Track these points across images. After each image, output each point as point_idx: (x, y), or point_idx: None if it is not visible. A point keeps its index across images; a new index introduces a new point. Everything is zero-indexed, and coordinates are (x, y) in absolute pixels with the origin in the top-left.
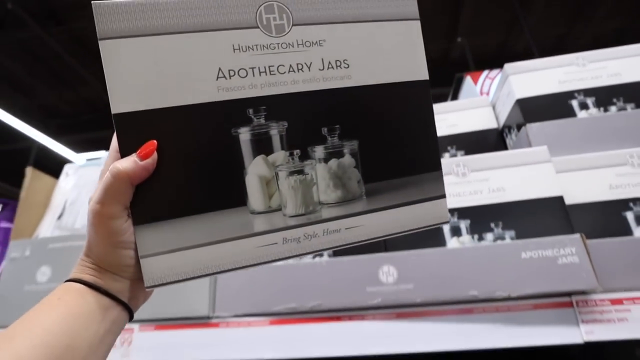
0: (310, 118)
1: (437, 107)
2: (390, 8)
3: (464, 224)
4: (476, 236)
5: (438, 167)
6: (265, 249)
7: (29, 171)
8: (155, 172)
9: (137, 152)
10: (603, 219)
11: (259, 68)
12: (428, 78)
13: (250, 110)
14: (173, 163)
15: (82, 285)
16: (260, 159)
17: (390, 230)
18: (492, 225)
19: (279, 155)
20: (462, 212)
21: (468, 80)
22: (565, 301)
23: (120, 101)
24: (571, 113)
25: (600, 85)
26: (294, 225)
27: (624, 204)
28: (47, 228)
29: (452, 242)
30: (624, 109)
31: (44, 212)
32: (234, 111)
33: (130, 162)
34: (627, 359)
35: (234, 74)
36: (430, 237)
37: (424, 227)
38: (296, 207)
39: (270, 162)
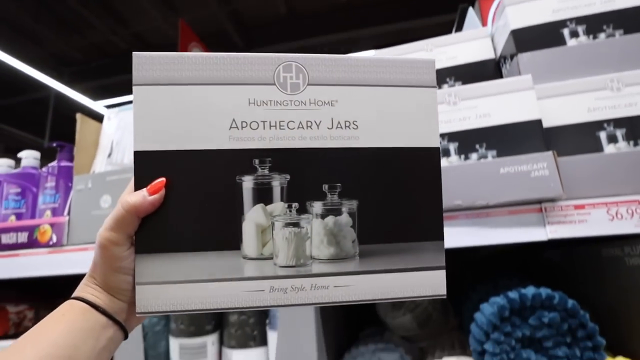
0: (312, 174)
1: (438, 40)
2: (407, 74)
3: (452, 146)
4: (463, 156)
5: (440, 236)
6: (252, 295)
7: (79, 117)
8: (161, 208)
9: (147, 187)
10: (579, 139)
11: (270, 122)
12: (439, 146)
13: (256, 161)
14: (179, 201)
15: (84, 304)
16: (259, 207)
17: (380, 295)
18: (477, 146)
19: (278, 206)
20: (451, 136)
21: (471, 11)
22: (536, 208)
23: (143, 140)
24: (562, 42)
25: (591, 13)
26: (282, 275)
27: (598, 125)
28: (100, 164)
29: (442, 162)
30: (613, 35)
31: (95, 151)
32: (241, 160)
33: (139, 197)
34: (595, 258)
35: (246, 125)
36: None
37: (416, 297)
38: (287, 258)
39: (269, 212)
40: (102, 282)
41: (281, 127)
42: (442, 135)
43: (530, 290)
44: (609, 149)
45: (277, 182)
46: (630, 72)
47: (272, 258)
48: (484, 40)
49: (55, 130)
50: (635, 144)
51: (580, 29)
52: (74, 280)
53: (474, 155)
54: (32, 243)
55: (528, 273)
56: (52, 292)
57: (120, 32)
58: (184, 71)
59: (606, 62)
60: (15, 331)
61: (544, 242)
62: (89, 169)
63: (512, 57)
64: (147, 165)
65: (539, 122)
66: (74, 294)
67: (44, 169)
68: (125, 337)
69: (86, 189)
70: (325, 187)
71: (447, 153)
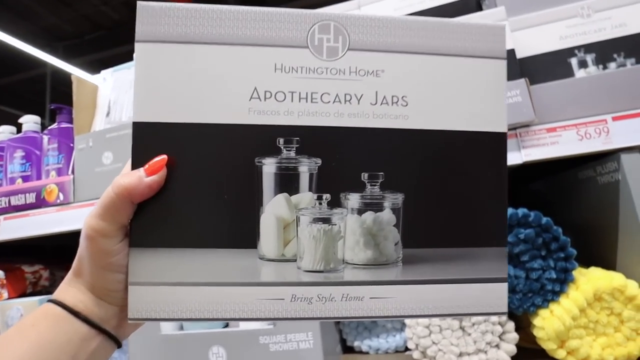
0: (350, 159)
1: None
2: (472, 42)
3: None
4: None
5: (503, 242)
6: (269, 304)
7: (75, 79)
8: (163, 192)
9: (145, 167)
10: (552, 67)
11: (299, 93)
12: (506, 131)
13: (281, 140)
14: (184, 185)
15: (60, 310)
16: (282, 197)
17: (426, 311)
18: None
19: (305, 197)
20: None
21: None
22: (511, 133)
23: (144, 110)
24: None
25: None
26: (307, 282)
27: (570, 52)
28: (99, 124)
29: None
30: None
31: (94, 112)
32: (262, 138)
33: (134, 178)
34: (572, 182)
35: (270, 96)
36: None
37: (471, 314)
38: (314, 261)
39: (293, 204)
40: (88, 282)
41: (313, 100)
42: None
43: (508, 211)
44: (579, 74)
45: (306, 168)
46: None
47: (295, 260)
48: None
49: (57, 109)
50: (604, 67)
51: None
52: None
53: None
54: (41, 203)
55: (514, 203)
56: (64, 252)
57: (110, 1)
58: (198, 27)
59: None
60: (33, 290)
61: (528, 175)
62: (89, 129)
63: None
64: (147, 139)
65: (512, 52)
66: (53, 295)
67: (45, 132)
68: (118, 346)
69: (87, 148)
70: (365, 176)
71: None
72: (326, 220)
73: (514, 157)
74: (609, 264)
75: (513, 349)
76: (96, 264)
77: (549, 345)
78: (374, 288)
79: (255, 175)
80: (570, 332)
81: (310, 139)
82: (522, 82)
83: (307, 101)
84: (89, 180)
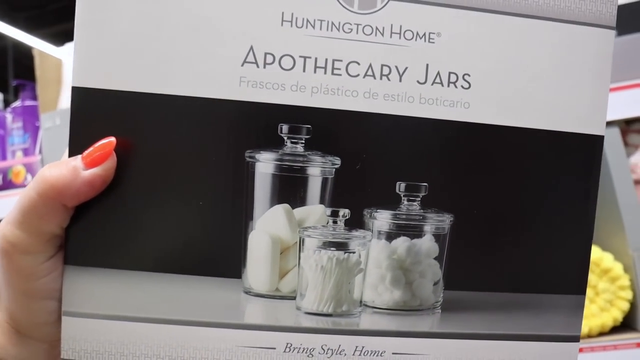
0: (381, 161)
1: None
2: (568, 1)
3: None
4: None
5: (582, 289)
6: (255, 353)
7: (37, 53)
8: (110, 191)
9: (83, 155)
10: None
11: (316, 59)
12: (604, 134)
13: (284, 128)
14: (141, 183)
15: None
16: (281, 210)
17: None
18: None
19: (315, 210)
20: None
21: None
22: None
23: (88, 70)
24: None
25: None
26: (309, 327)
27: None
28: (66, 101)
29: None
30: None
31: (59, 88)
32: (256, 122)
33: (66, 171)
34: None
35: (273, 61)
36: None
37: None
38: (320, 300)
39: (297, 220)
40: (6, 313)
41: (335, 71)
42: None
43: None
44: None
45: (318, 169)
46: None
47: (294, 298)
48: None
49: (19, 86)
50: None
51: None
52: None
53: None
54: (7, 185)
55: None
56: None
57: None
58: None
59: None
60: None
61: None
62: (55, 107)
63: None
64: (89, 113)
65: None
66: None
67: (8, 109)
68: None
69: (54, 127)
70: (401, 186)
71: None
72: (342, 246)
73: None
74: None
75: None
76: (15, 289)
77: None
78: (401, 341)
79: (245, 174)
80: None
81: (328, 128)
82: None
83: (325, 72)
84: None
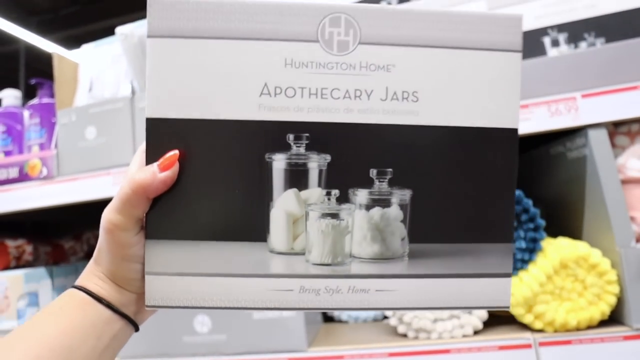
0: (359, 155)
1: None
2: (485, 34)
3: None
4: None
5: (510, 238)
6: (279, 294)
7: (55, 55)
8: (176, 187)
9: (158, 162)
10: (526, 45)
11: (309, 89)
12: (518, 127)
13: (291, 136)
14: (196, 180)
15: (85, 295)
16: (291, 193)
17: (430, 303)
18: None
19: (314, 192)
20: None
21: None
22: None
23: (157, 105)
24: None
25: None
26: (315, 274)
27: (543, 31)
28: (81, 99)
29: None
30: None
31: (75, 87)
32: (272, 134)
33: (148, 174)
34: (544, 157)
35: (280, 92)
36: None
37: (474, 307)
38: (322, 254)
39: (303, 199)
40: (107, 271)
41: (323, 96)
42: None
43: None
44: (552, 52)
45: (315, 164)
46: None
47: (304, 254)
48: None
49: (31, 87)
50: (575, 46)
51: None
52: (65, 215)
53: None
54: (24, 177)
55: None
56: (45, 228)
57: None
58: (208, 21)
59: None
60: (16, 264)
61: None
62: (71, 104)
63: None
64: (160, 135)
65: None
66: (77, 282)
67: (26, 107)
68: (136, 329)
69: (70, 123)
70: (374, 172)
71: None
72: (334, 216)
73: None
74: (575, 235)
75: (485, 315)
76: (115, 255)
77: (517, 311)
78: (380, 281)
79: (266, 170)
80: (538, 298)
81: (320, 135)
82: None
83: (317, 97)
84: (72, 155)
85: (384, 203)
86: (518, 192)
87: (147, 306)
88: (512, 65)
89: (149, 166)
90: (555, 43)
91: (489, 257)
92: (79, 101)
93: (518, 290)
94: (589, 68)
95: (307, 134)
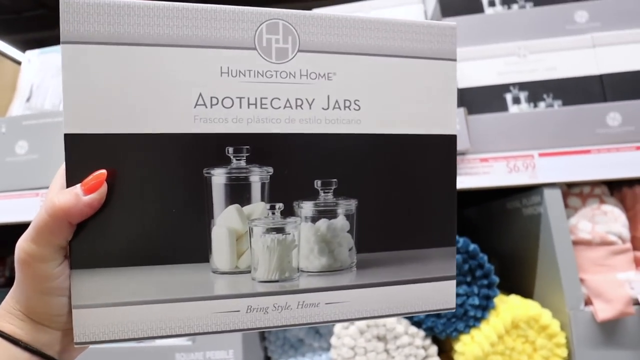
0: (302, 167)
1: (373, 2)
2: (422, 42)
3: None
4: None
5: (452, 242)
6: (225, 316)
7: None
8: (105, 209)
9: (82, 184)
10: (488, 100)
11: (248, 99)
12: (456, 133)
13: (230, 149)
14: (128, 201)
15: None
16: (233, 209)
17: (381, 311)
18: None
19: (258, 207)
20: None
21: None
22: None
23: (76, 120)
24: (481, 9)
25: None
26: (263, 292)
27: (505, 88)
28: (17, 109)
29: None
30: (524, 7)
31: (12, 95)
32: (210, 147)
33: (70, 197)
34: (501, 211)
35: (217, 102)
36: None
37: (423, 311)
38: (269, 271)
39: (245, 215)
40: (26, 308)
41: (263, 106)
42: None
43: None
44: (513, 109)
45: (257, 177)
46: (535, 41)
47: (249, 272)
48: (416, 6)
49: None
50: (535, 106)
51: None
52: None
53: None
54: None
55: None
56: None
57: None
58: (133, 25)
59: (517, 30)
60: None
61: (463, 200)
62: (5, 113)
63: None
64: (82, 153)
65: None
66: None
67: None
68: None
69: (0, 134)
70: (318, 183)
71: None
72: (280, 230)
73: None
74: (527, 291)
75: None
76: (34, 290)
77: None
78: (329, 294)
79: (205, 186)
80: (488, 358)
81: (261, 147)
82: (460, 111)
83: (256, 107)
84: None
85: (330, 214)
86: (473, 246)
87: (77, 343)
88: (448, 73)
89: (71, 188)
90: (516, 100)
91: (434, 261)
92: (14, 111)
93: (469, 349)
94: (547, 128)
95: (248, 147)
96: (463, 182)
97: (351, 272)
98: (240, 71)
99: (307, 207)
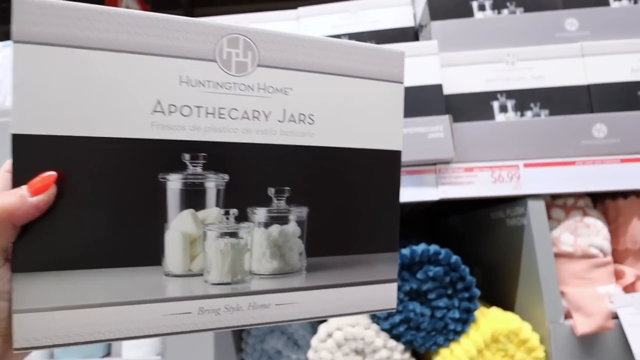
0: (257, 175)
1: (362, 2)
2: (374, 65)
3: None
4: None
5: (395, 247)
6: (176, 318)
7: None
8: (53, 211)
9: (29, 185)
10: (475, 107)
11: (206, 108)
12: (401, 149)
13: (187, 156)
14: (78, 204)
15: None
16: (187, 213)
17: (328, 312)
18: None
19: (212, 212)
20: None
21: None
22: (431, 169)
23: (26, 120)
24: (470, 14)
25: None
26: (215, 294)
27: (493, 95)
28: None
29: None
30: (514, 12)
31: None
32: (166, 154)
33: (16, 198)
34: (485, 221)
35: (175, 110)
36: None
37: (367, 311)
38: (221, 274)
39: (200, 219)
40: None
41: (221, 116)
42: None
43: (420, 247)
44: (499, 117)
45: (213, 184)
46: (524, 48)
47: (201, 274)
48: (406, 8)
49: None
50: (522, 114)
51: (487, 4)
52: None
53: None
54: None
55: (433, 236)
56: None
57: None
58: (92, 30)
59: (509, 36)
60: None
61: (447, 209)
62: None
63: (426, 25)
64: (30, 154)
65: (439, 87)
66: None
67: None
68: None
69: None
70: (272, 191)
71: None
72: (233, 235)
73: (431, 193)
74: (508, 302)
75: None
76: None
77: None
78: (280, 295)
79: (159, 191)
80: None
81: (218, 155)
82: (445, 118)
83: (214, 117)
84: None
85: (282, 220)
86: (455, 258)
87: (16, 349)
88: (396, 95)
89: (17, 189)
90: (503, 109)
91: (378, 265)
92: None
93: None
94: (533, 138)
95: (204, 154)
96: (447, 192)
97: (301, 275)
98: (199, 81)
99: (260, 213)
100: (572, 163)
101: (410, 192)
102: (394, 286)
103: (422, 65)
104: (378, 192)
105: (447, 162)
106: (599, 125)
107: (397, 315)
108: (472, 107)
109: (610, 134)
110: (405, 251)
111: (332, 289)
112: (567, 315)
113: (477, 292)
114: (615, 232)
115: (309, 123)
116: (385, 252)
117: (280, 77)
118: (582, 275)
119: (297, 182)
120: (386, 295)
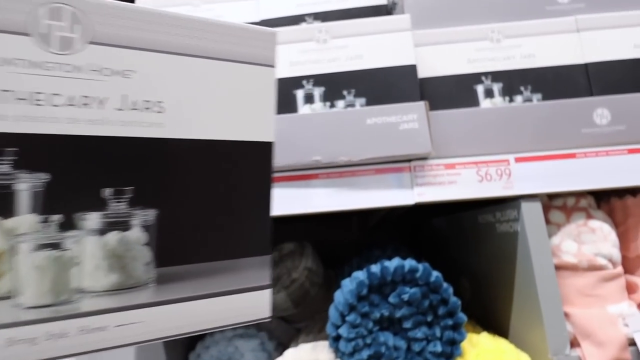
0: (88, 174)
1: None
2: (240, 46)
3: (317, 92)
4: (328, 103)
5: (267, 250)
6: None
7: None
8: None
9: None
10: (455, 92)
11: (17, 92)
12: (273, 140)
13: None
14: None
15: None
16: None
17: (183, 329)
18: (345, 92)
19: (25, 219)
20: (317, 80)
21: None
22: (405, 166)
23: None
24: None
25: None
26: (30, 320)
27: (477, 78)
28: None
29: (304, 109)
30: None
31: None
32: None
33: None
34: (472, 224)
35: None
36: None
37: (235, 324)
38: (39, 294)
39: (7, 229)
40: None
41: (37, 102)
42: (309, 77)
43: (393, 263)
44: (484, 103)
45: (26, 185)
46: (511, 23)
47: (9, 297)
48: None
49: None
50: (510, 100)
51: None
52: None
53: (339, 103)
54: None
55: (417, 241)
56: None
57: None
58: None
59: (493, 10)
60: None
61: (433, 209)
62: None
63: (399, 1)
64: None
65: (413, 68)
66: None
67: None
68: None
69: None
70: (108, 192)
71: (310, 99)
72: (55, 246)
73: (405, 196)
74: (502, 325)
75: None
76: None
77: None
78: (120, 315)
79: None
80: None
81: (34, 149)
82: (420, 105)
83: (28, 103)
84: None
85: (123, 226)
86: (436, 275)
87: None
88: (267, 80)
89: None
90: (489, 93)
91: (247, 271)
92: None
93: None
94: (525, 127)
95: (14, 149)
96: (424, 194)
97: (148, 288)
98: (5, 59)
99: (92, 219)
100: (572, 156)
101: (380, 196)
102: (267, 293)
103: (391, 43)
104: (245, 189)
105: (423, 158)
106: (601, 110)
107: (365, 349)
108: (452, 92)
109: (614, 120)
110: (375, 268)
111: (189, 302)
112: (574, 343)
113: (464, 317)
114: (624, 237)
115: (158, 112)
116: (256, 256)
117: (119, 57)
118: (589, 292)
119: (142, 181)
120: (258, 304)
